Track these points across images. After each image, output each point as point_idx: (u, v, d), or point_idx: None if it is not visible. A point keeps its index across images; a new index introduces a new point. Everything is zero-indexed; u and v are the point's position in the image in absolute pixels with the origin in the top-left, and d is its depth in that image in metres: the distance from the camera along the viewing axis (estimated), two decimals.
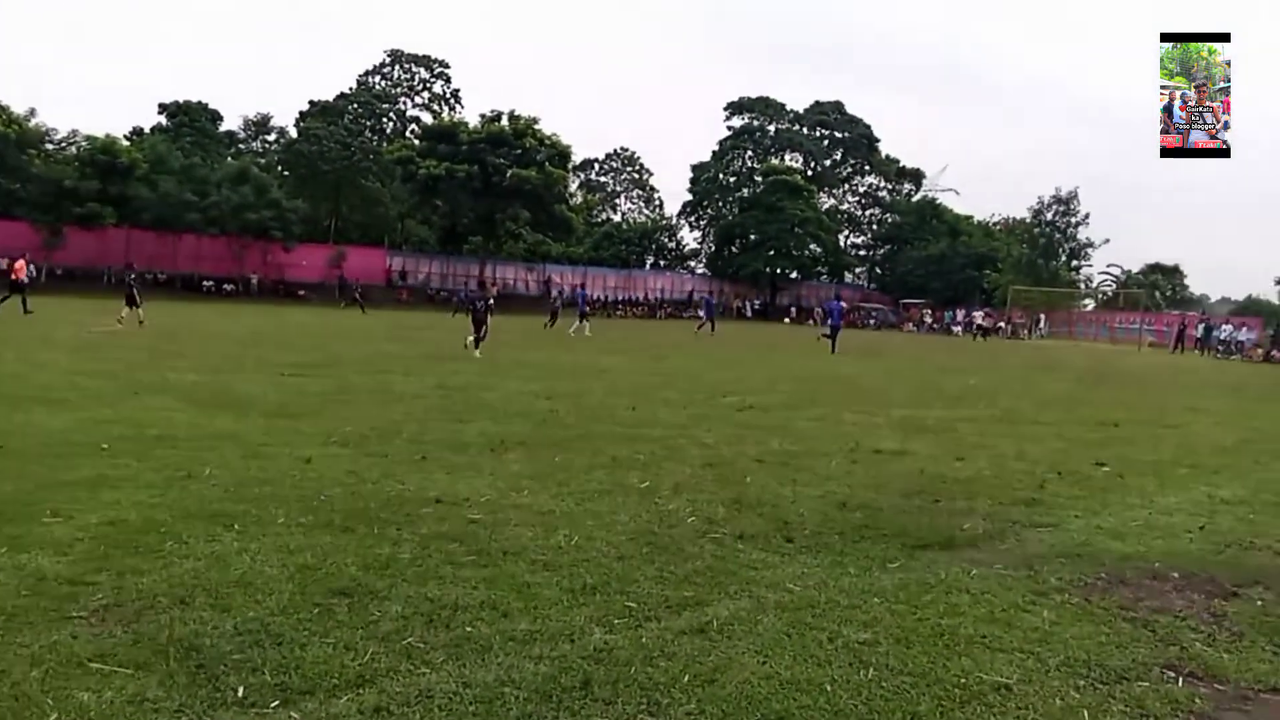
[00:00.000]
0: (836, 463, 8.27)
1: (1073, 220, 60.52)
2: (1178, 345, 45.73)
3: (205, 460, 7.00)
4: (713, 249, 75.79)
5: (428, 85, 72.32)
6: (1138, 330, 52.25)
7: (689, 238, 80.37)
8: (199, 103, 64.70)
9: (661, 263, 77.13)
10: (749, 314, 68.13)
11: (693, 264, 79.14)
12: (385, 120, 68.92)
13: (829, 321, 29.16)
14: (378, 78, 71.04)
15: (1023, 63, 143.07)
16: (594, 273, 66.60)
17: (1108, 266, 70.63)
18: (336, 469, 6.93)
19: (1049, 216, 60.90)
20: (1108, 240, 67.80)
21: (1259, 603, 4.80)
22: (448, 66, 72.03)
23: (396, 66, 71.60)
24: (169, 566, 4.51)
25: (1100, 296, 67.13)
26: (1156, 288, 70.77)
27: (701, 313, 40.75)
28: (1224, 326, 47.55)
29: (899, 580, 4.87)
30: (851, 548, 5.46)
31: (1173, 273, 76.04)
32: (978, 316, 56.88)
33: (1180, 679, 3.77)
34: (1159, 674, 3.81)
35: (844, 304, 33.21)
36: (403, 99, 71.83)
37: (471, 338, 19.27)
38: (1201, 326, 47.68)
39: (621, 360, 19.81)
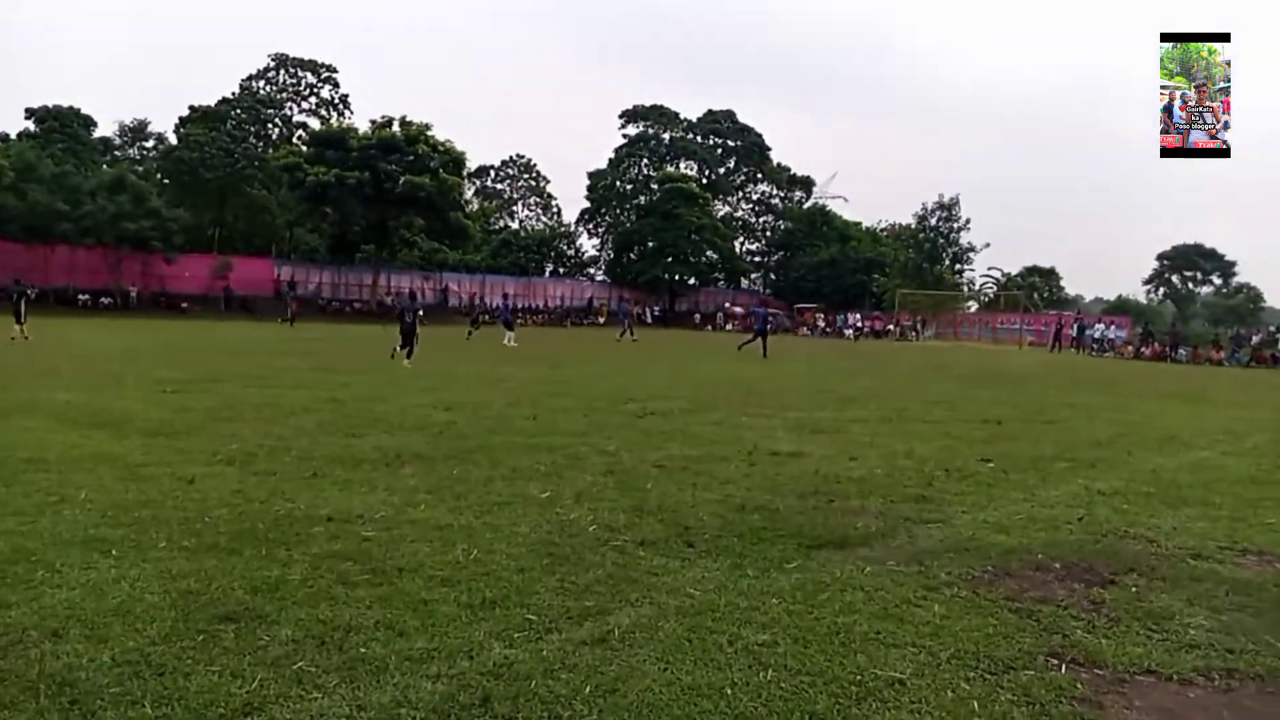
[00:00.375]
0: (735, 466, 8.38)
1: (955, 225, 62.95)
2: (1055, 344, 47.99)
3: (80, 483, 6.64)
4: (611, 256, 76.00)
5: (315, 90, 70.28)
6: (1018, 330, 54.68)
7: (588, 245, 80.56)
8: (70, 108, 61.33)
9: (561, 270, 76.98)
10: (649, 320, 68.66)
11: (592, 271, 79.23)
12: (271, 126, 66.73)
13: (755, 327, 30.28)
14: (262, 82, 68.72)
15: (907, 72, 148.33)
16: (492, 280, 65.95)
17: (989, 269, 73.67)
18: (222, 489, 6.67)
19: (933, 222, 63.20)
20: (988, 244, 71.06)
21: (1134, 589, 5.06)
22: (335, 71, 70.20)
23: (282, 71, 69.37)
24: (40, 597, 4.26)
25: (982, 298, 69.88)
26: (1035, 289, 74.15)
27: (615, 320, 41.42)
28: (1097, 325, 50.18)
29: (796, 580, 4.95)
30: (750, 550, 5.53)
31: (1049, 274, 79.86)
32: (856, 320, 59.66)
33: (1063, 666, 3.94)
34: (1044, 662, 3.97)
35: (769, 310, 35.12)
36: (289, 104, 69.64)
37: (399, 348, 19.79)
38: (1076, 326, 50.15)
39: (521, 369, 19.65)
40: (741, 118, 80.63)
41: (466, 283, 65.09)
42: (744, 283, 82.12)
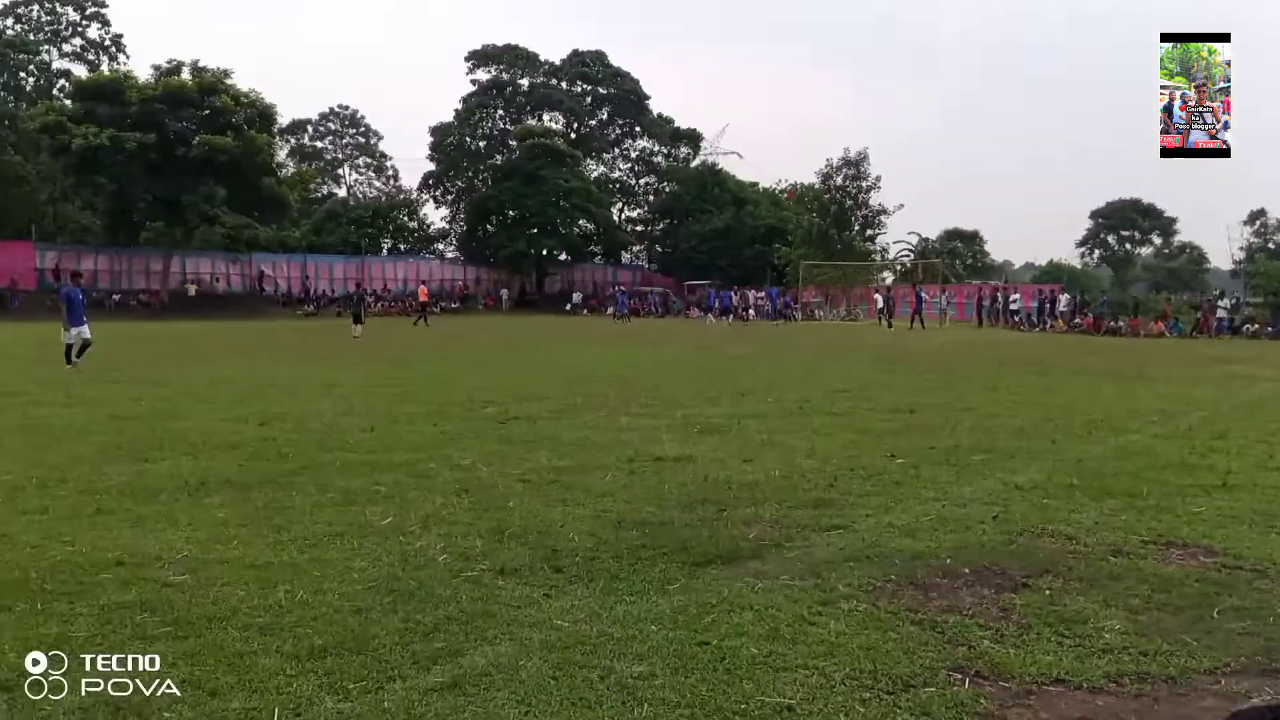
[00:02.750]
0: (612, 475, 8.60)
1: (864, 185, 64.59)
2: (980, 318, 50.17)
3: None
4: (465, 229, 75.32)
5: (79, 29, 67.32)
6: (939, 307, 56.29)
7: (435, 215, 79.72)
8: None
9: (402, 247, 75.90)
10: (503, 305, 68.07)
11: (441, 247, 78.46)
12: (24, 75, 63.66)
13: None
14: (10, 20, 65.43)
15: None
16: (317, 261, 64.61)
17: (907, 234, 76.42)
18: None
19: (839, 181, 64.65)
20: (902, 205, 73.24)
21: (1047, 592, 5.49)
22: (104, 5, 67.38)
23: (36, 6, 66.22)
24: None
25: (898, 268, 72.25)
26: (956, 255, 77.24)
27: (615, 306, 42.76)
28: (1014, 296, 52.61)
29: (678, 603, 5.20)
30: (627, 571, 5.75)
31: (973, 239, 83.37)
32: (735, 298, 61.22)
33: (967, 680, 4.28)
34: (945, 677, 4.31)
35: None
36: (45, 47, 66.47)
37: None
38: (1002, 297, 52.53)
39: (355, 371, 19.43)
40: (614, 60, 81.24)
41: (285, 265, 63.56)
42: (625, 257, 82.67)
